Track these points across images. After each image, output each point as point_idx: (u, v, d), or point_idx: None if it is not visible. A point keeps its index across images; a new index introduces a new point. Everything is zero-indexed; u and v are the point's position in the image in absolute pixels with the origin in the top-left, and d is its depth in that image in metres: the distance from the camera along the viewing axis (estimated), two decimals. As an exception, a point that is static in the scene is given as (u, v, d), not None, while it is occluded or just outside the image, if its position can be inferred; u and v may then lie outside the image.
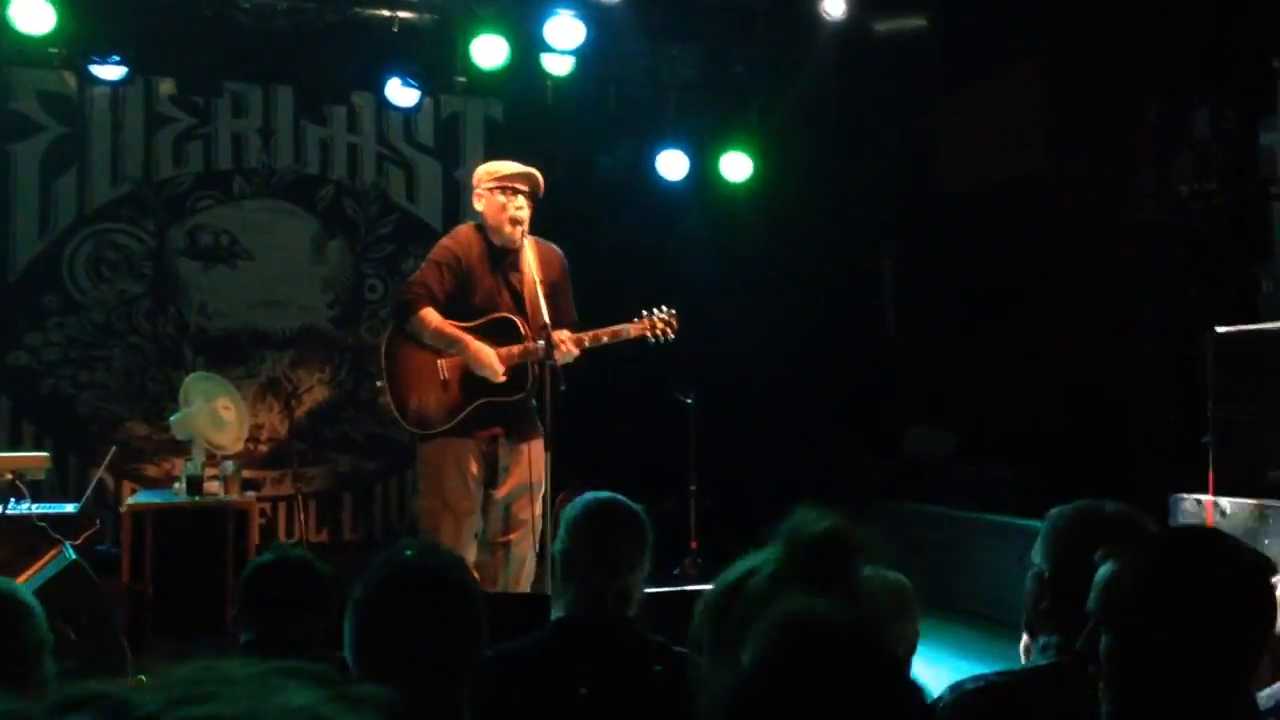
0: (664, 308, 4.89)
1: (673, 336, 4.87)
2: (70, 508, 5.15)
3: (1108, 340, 6.61)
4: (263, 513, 6.47)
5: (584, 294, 5.08)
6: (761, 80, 7.23)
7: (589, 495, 2.73)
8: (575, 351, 4.69)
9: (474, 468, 4.80)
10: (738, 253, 7.28)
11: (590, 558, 2.51)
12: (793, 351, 7.37)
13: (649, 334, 4.85)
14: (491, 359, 4.70)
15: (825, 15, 6.49)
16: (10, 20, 5.75)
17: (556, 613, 2.69)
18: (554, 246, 4.96)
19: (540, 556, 4.69)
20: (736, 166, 7.17)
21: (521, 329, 4.77)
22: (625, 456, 6.11)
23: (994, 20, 6.98)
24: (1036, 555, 2.20)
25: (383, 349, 4.94)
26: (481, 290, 4.82)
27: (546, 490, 4.62)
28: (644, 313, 4.88)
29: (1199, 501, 4.79)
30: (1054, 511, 2.21)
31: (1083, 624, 1.95)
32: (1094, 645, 1.76)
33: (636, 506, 2.70)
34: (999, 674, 2.08)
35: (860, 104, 7.32)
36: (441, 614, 1.82)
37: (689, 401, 6.33)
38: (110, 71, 6.37)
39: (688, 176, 7.17)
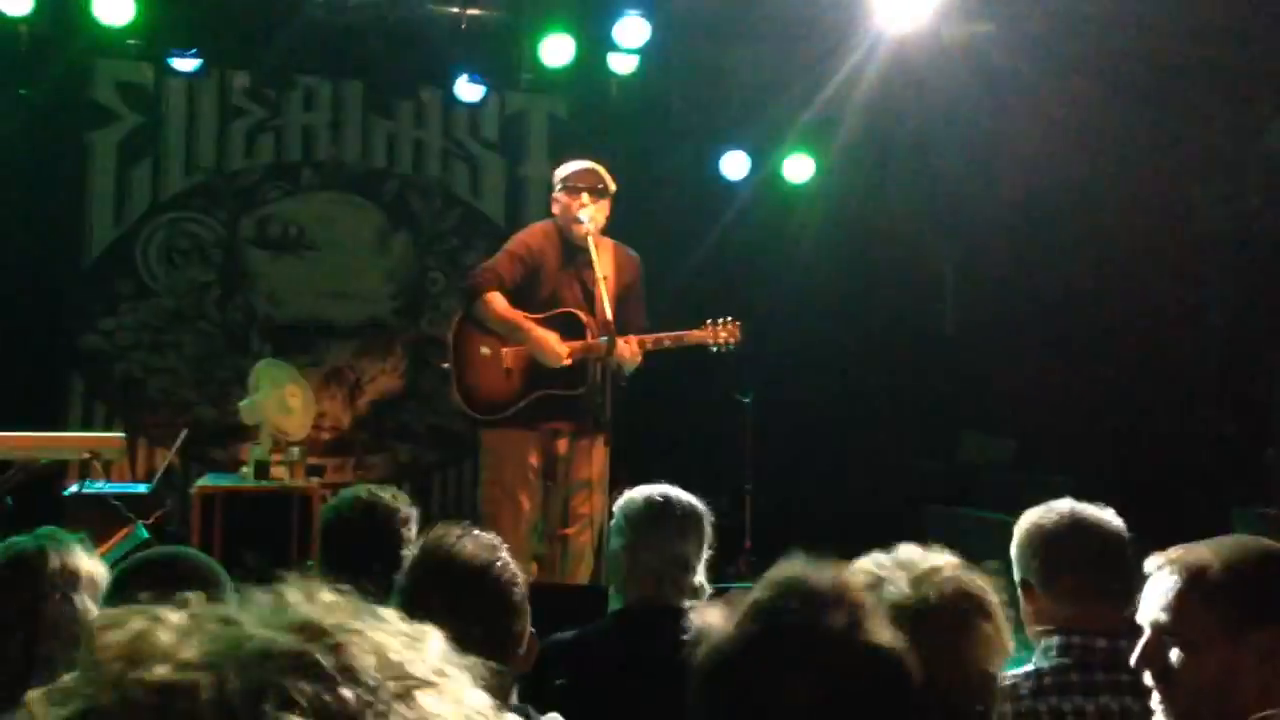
0: (729, 318, 4.93)
1: (733, 347, 4.91)
2: (142, 488, 5.30)
3: (1171, 351, 6.53)
4: (324, 499, 6.58)
5: (645, 293, 5.13)
6: (825, 82, 7.22)
7: (647, 489, 2.75)
8: (638, 355, 4.74)
9: (534, 460, 4.88)
10: (797, 254, 7.28)
11: (651, 551, 2.55)
12: (852, 353, 7.36)
13: (711, 342, 4.90)
14: (554, 345, 4.77)
15: (891, 18, 6.47)
16: (92, 12, 5.91)
17: (614, 605, 2.74)
18: (632, 252, 5.04)
19: (598, 551, 4.75)
20: (799, 168, 7.18)
21: (586, 325, 4.84)
22: (680, 454, 6.14)
23: (1061, 24, 6.91)
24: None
25: (450, 334, 5.07)
26: (551, 284, 4.92)
27: (606, 486, 4.68)
28: (708, 321, 4.93)
29: (1261, 515, 4.74)
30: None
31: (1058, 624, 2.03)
32: (1152, 655, 1.78)
33: (694, 499, 2.73)
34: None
35: (923, 106, 7.28)
36: (475, 596, 1.88)
37: (746, 401, 6.35)
38: (187, 64, 6.53)
39: (749, 177, 7.19)
